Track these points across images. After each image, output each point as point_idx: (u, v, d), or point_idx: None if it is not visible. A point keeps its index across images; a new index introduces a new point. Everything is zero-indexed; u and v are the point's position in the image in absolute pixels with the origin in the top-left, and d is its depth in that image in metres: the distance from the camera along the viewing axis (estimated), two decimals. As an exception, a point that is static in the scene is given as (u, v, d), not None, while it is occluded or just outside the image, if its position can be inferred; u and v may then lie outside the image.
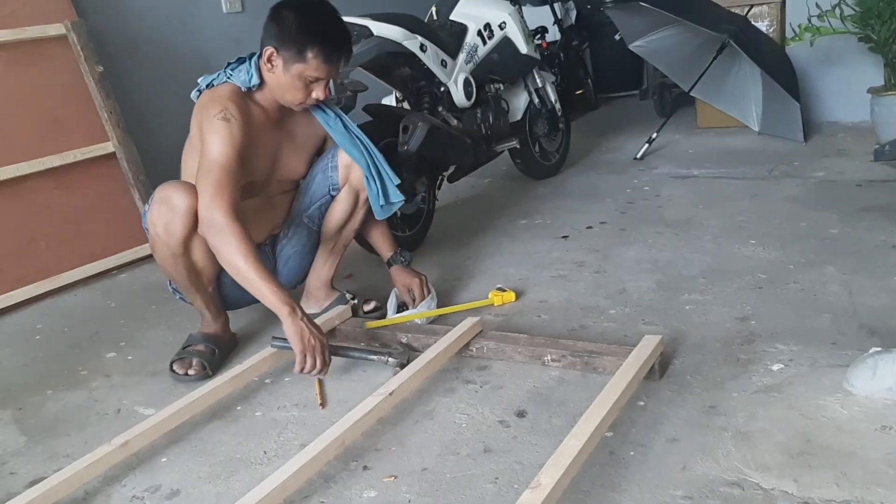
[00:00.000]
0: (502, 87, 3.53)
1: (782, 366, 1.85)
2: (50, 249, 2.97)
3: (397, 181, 2.26)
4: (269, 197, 2.25)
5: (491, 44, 3.38)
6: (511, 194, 3.84)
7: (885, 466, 1.44)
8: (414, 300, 2.35)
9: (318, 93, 2.04)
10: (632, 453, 1.58)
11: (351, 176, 2.25)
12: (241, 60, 2.08)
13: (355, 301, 2.41)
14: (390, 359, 2.02)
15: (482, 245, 3.02)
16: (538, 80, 3.79)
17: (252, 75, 2.04)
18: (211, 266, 2.09)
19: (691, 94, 4.52)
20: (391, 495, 1.53)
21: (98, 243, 3.10)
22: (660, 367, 1.87)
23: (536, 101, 3.77)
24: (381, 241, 2.44)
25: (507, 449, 1.64)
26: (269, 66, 2.01)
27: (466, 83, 3.18)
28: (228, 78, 2.06)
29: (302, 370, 1.86)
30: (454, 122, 3.14)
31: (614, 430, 1.65)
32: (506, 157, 3.84)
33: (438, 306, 2.39)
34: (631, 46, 4.60)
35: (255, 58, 2.06)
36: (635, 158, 4.26)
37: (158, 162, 3.33)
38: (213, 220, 1.88)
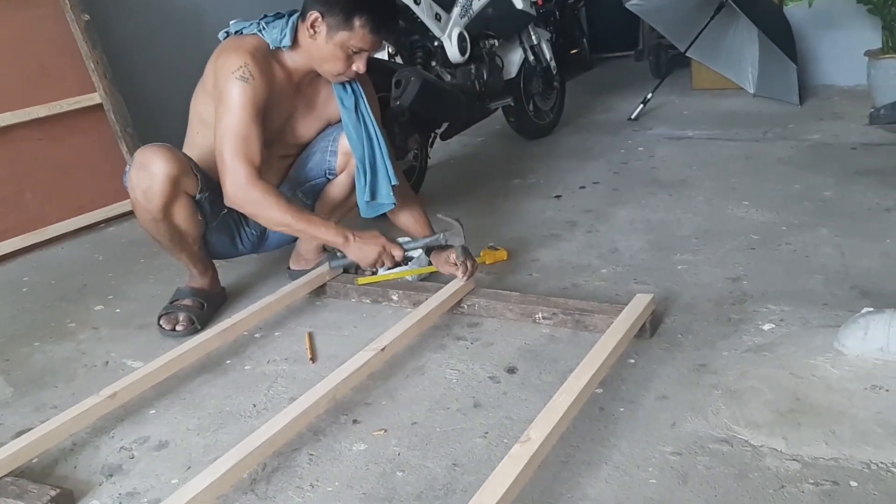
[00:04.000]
0: (497, 44, 3.47)
1: (773, 326, 1.85)
2: (36, 201, 2.93)
3: (395, 182, 2.10)
4: (270, 156, 2.15)
5: (487, -2, 3.32)
6: (504, 153, 3.81)
7: (874, 425, 1.44)
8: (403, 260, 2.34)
9: (358, 65, 1.95)
10: (621, 409, 1.58)
11: (350, 165, 2.16)
12: (278, 16, 1.98)
13: (346, 259, 2.37)
14: (447, 235, 2.10)
15: (474, 203, 3.00)
16: (533, 38, 3.73)
17: (285, 35, 1.94)
18: (194, 227, 2.06)
19: (687, 54, 4.47)
20: (381, 448, 1.53)
21: (85, 196, 3.07)
22: (651, 325, 1.86)
23: (531, 58, 3.72)
24: (415, 227, 2.23)
25: (497, 404, 1.64)
26: (311, 31, 1.90)
27: (461, 38, 3.12)
28: (260, 31, 1.96)
29: (389, 265, 2.06)
30: (448, 77, 3.09)
31: (604, 387, 1.65)
32: (499, 115, 3.80)
33: (428, 264, 2.37)
34: (627, 5, 4.53)
35: (293, 17, 1.96)
36: (630, 119, 4.22)
37: (146, 114, 3.28)
38: (241, 193, 1.88)
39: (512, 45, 3.64)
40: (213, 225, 2.12)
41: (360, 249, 2.00)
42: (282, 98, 2.01)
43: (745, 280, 2.12)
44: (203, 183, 2.01)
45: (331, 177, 2.21)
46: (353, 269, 2.35)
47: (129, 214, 3.18)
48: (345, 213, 2.32)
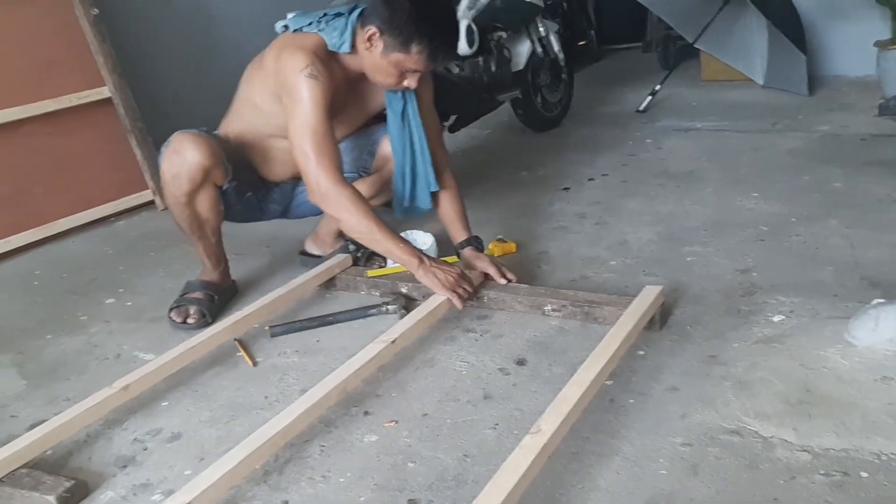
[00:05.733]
0: (505, 36, 3.46)
1: (783, 317, 1.85)
2: (46, 195, 2.94)
3: (434, 188, 2.12)
4: None
5: (495, -12, 3.30)
6: (512, 145, 3.81)
7: (884, 416, 1.44)
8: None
9: (410, 82, 1.94)
10: (631, 401, 1.58)
11: (385, 169, 2.17)
12: (338, 15, 1.95)
13: (359, 253, 2.37)
14: (390, 307, 2.03)
15: (482, 196, 3.00)
16: (542, 29, 3.72)
17: (345, 42, 1.92)
18: (215, 218, 2.09)
19: (696, 45, 4.45)
20: (392, 440, 1.54)
21: (95, 190, 3.08)
22: (660, 317, 1.87)
23: (539, 50, 3.71)
24: (453, 221, 2.20)
25: (507, 396, 1.65)
26: (367, 44, 1.88)
27: (469, 30, 3.11)
28: (320, 31, 1.94)
29: (461, 300, 1.96)
30: (456, 70, 3.09)
31: (614, 379, 1.65)
32: (506, 107, 3.79)
33: (438, 256, 2.38)
34: (636, -4, 4.51)
35: (352, 18, 1.93)
36: (638, 111, 4.21)
37: (155, 108, 3.29)
38: (325, 192, 1.89)
39: (520, 36, 3.63)
40: (238, 208, 2.15)
41: (436, 276, 1.96)
42: (338, 96, 2.00)
43: (755, 271, 2.12)
44: (233, 173, 2.05)
45: (364, 174, 2.23)
46: (362, 261, 2.36)
47: (139, 208, 3.21)
48: None
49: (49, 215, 2.93)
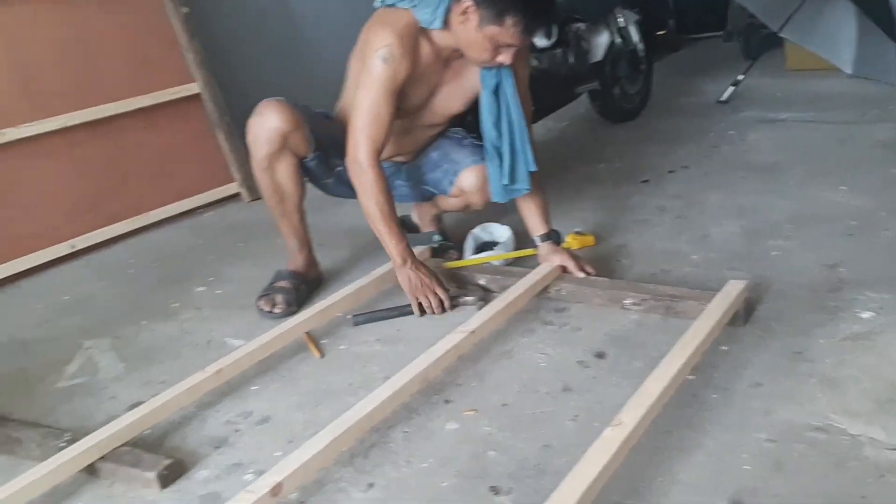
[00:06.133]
0: (583, 27, 3.45)
1: (873, 314, 1.80)
2: (139, 187, 3.08)
3: (533, 168, 2.11)
4: (413, 125, 2.22)
5: (575, -20, 3.30)
6: (589, 137, 3.79)
7: (981, 417, 1.40)
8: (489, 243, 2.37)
9: (504, 57, 1.94)
10: (714, 396, 1.57)
11: (463, 195, 2.22)
12: None
13: (439, 243, 2.41)
14: (468, 298, 2.09)
15: (560, 188, 3.00)
16: (621, 20, 3.68)
17: (437, 18, 1.94)
18: (295, 191, 2.17)
19: (780, 34, 4.32)
20: (472, 428, 1.57)
21: (184, 182, 3.21)
22: (744, 312, 1.84)
23: (619, 41, 3.67)
24: (533, 215, 2.20)
25: (587, 388, 1.66)
26: (461, 17, 1.89)
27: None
28: (413, 7, 1.97)
29: (422, 312, 2.06)
30: (534, 62, 3.09)
31: (697, 374, 1.64)
32: (583, 99, 3.77)
33: (515, 249, 2.39)
34: (717, -16, 4.41)
35: None
36: (719, 101, 4.13)
37: (241, 103, 3.38)
38: (357, 163, 1.99)
39: (598, 27, 3.60)
40: (328, 181, 2.25)
41: (408, 279, 2.07)
42: (428, 73, 2.06)
43: (842, 267, 2.06)
44: (316, 144, 2.12)
45: (443, 193, 2.29)
46: (448, 252, 2.40)
47: (225, 200, 3.32)
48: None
49: (142, 206, 3.06)
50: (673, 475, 1.36)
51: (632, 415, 1.40)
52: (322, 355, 1.95)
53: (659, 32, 5.38)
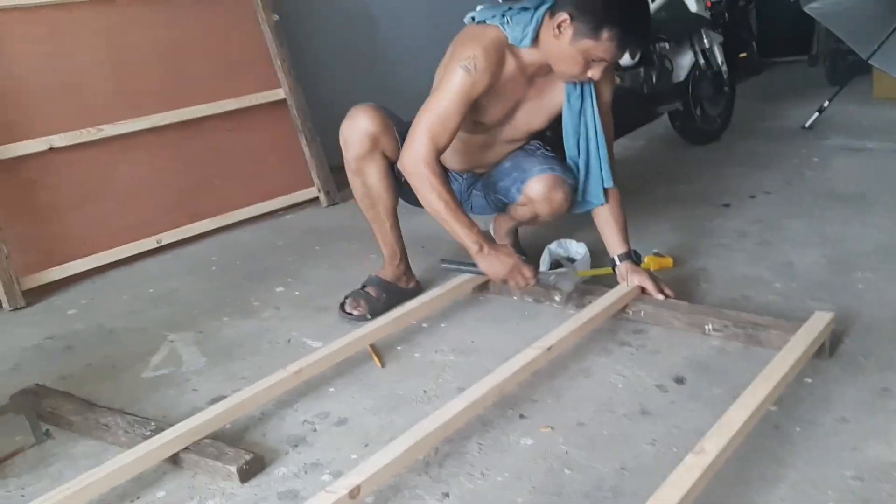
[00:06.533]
0: (668, 47, 3.42)
1: (967, 355, 1.74)
2: (224, 187, 3.17)
3: (609, 184, 2.14)
4: (494, 140, 2.23)
5: (660, 0, 3.27)
6: (668, 158, 3.75)
7: None
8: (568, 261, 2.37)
9: (594, 73, 1.93)
10: (798, 429, 1.54)
11: (531, 204, 2.18)
12: (524, 10, 1.97)
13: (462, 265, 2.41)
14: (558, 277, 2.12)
15: (637, 208, 2.96)
16: (705, 41, 3.64)
17: (527, 36, 1.95)
18: (386, 195, 2.20)
19: (869, 62, 4.21)
20: (548, 445, 1.56)
21: (266, 184, 3.29)
22: (830, 345, 1.80)
23: (702, 62, 3.63)
24: (612, 233, 2.18)
25: (665, 413, 1.64)
26: (556, 31, 1.89)
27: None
28: (503, 25, 1.98)
29: (517, 287, 2.07)
30: (617, 80, 3.07)
31: (779, 405, 1.61)
32: (661, 118, 3.73)
33: (592, 267, 2.38)
34: (806, 8, 4.30)
35: (539, 13, 1.95)
36: (803, 127, 4.04)
37: (324, 109, 3.46)
38: (413, 166, 1.98)
39: (683, 47, 3.57)
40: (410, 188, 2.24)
41: (491, 263, 2.03)
42: (510, 88, 2.06)
43: (935, 303, 2.00)
44: (402, 147, 2.13)
45: (512, 202, 2.26)
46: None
47: (304, 204, 3.39)
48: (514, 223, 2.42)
49: (226, 206, 3.15)
50: (754, 507, 1.33)
51: (714, 442, 1.37)
52: (383, 365, 1.96)
53: (741, 55, 5.31)
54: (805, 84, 5.21)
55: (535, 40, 1.97)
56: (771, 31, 6.09)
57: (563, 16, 1.87)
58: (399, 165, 2.05)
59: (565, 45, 1.90)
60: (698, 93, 3.72)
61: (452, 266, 2.21)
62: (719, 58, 3.74)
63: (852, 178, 3.14)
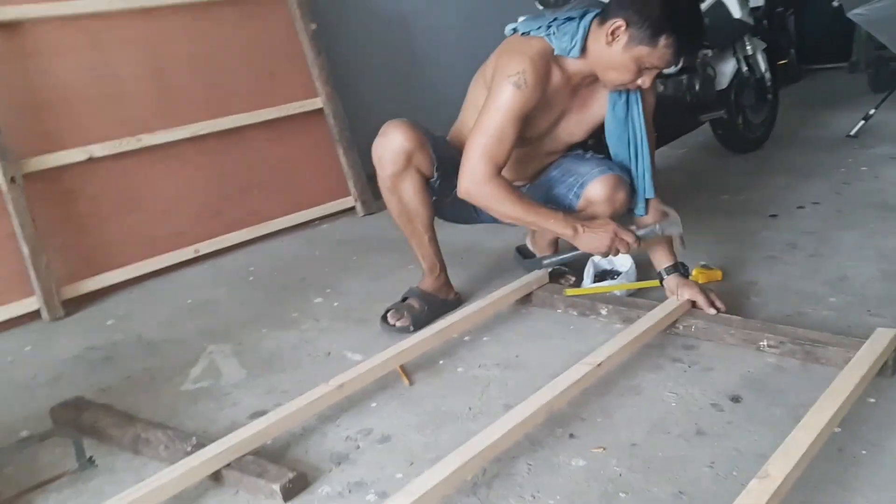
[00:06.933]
0: (710, 54, 3.35)
1: None
2: (262, 197, 3.16)
3: (651, 195, 2.10)
4: (535, 153, 2.20)
5: (703, 6, 3.20)
6: (711, 167, 3.67)
7: None
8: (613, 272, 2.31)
9: (645, 80, 1.89)
10: (864, 452, 1.46)
11: (591, 207, 2.12)
12: (569, 19, 1.94)
13: (559, 256, 2.35)
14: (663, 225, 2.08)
15: (681, 218, 2.89)
16: (748, 47, 3.56)
17: (575, 45, 1.91)
18: (423, 209, 2.16)
19: (917, 68, 4.10)
20: (601, 467, 1.51)
21: (303, 194, 3.27)
22: (893, 363, 1.72)
23: (745, 69, 3.55)
24: (659, 245, 2.13)
25: (723, 433, 1.57)
26: (609, 37, 1.84)
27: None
28: (548, 37, 1.94)
29: (624, 251, 2.00)
30: (659, 88, 3.01)
31: (843, 427, 1.53)
32: (703, 127, 3.66)
33: (637, 279, 2.32)
34: (850, 14, 4.19)
35: (585, 21, 1.92)
36: (848, 136, 3.93)
37: (361, 118, 3.44)
38: (476, 189, 1.95)
39: (725, 54, 3.49)
40: (447, 202, 2.20)
41: (591, 239, 1.96)
42: (556, 100, 2.03)
43: None
44: (438, 164, 2.11)
45: (569, 208, 2.18)
46: (565, 277, 2.35)
47: (342, 213, 3.37)
48: None
49: (263, 215, 3.14)
50: (823, 536, 1.27)
51: (779, 466, 1.31)
52: (411, 383, 1.91)
53: (780, 62, 5.21)
54: (846, 91, 5.09)
55: (583, 50, 1.92)
56: (809, 37, 5.98)
57: (619, 22, 1.82)
58: (460, 194, 2.00)
59: (618, 52, 1.85)
60: (741, 100, 3.64)
61: (554, 261, 2.21)
62: (762, 65, 3.66)
63: (904, 189, 3.04)
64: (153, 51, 2.95)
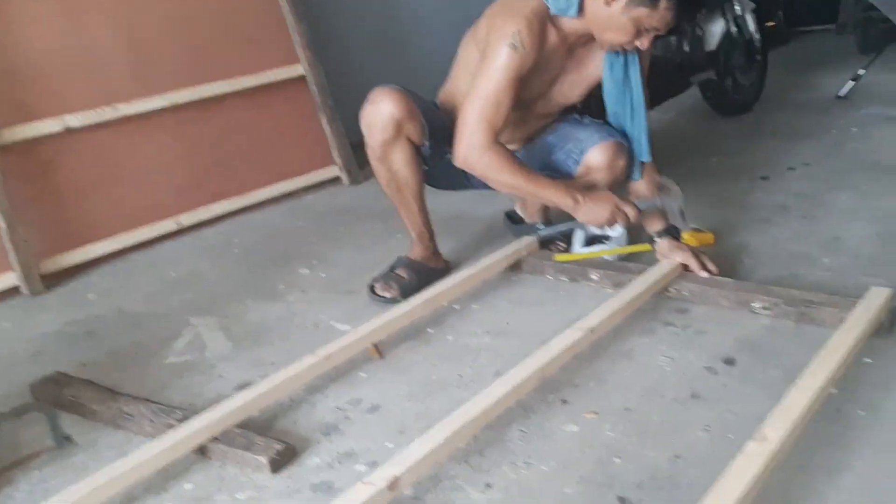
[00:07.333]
0: (700, 14, 3.29)
1: None
2: (243, 167, 3.09)
3: (647, 158, 2.09)
4: (528, 115, 2.15)
5: (692, -34, 3.15)
6: (700, 130, 3.63)
7: None
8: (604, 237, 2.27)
9: (643, 42, 1.87)
10: (861, 413, 1.45)
11: (590, 173, 2.09)
12: None
13: (554, 228, 2.32)
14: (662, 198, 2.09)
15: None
16: (737, 7, 3.51)
17: (573, 6, 1.87)
18: (413, 178, 2.10)
19: (907, 27, 4.06)
20: (594, 432, 1.48)
21: (287, 164, 3.20)
22: (888, 323, 1.70)
23: (734, 30, 3.50)
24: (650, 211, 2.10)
25: (718, 397, 1.55)
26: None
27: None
28: None
29: (623, 224, 2.01)
30: (648, 50, 2.96)
31: (839, 388, 1.51)
32: (692, 91, 3.61)
33: (628, 244, 2.29)
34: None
35: None
36: (838, 97, 3.90)
37: (344, 85, 3.37)
38: (474, 156, 1.91)
39: (714, 15, 3.43)
40: (439, 169, 2.15)
41: (591, 210, 1.94)
42: (552, 61, 1.98)
43: None
44: (429, 131, 2.05)
45: (567, 175, 2.15)
46: (554, 243, 2.31)
47: (326, 184, 3.30)
48: None
49: (246, 186, 3.06)
50: (820, 498, 1.25)
51: (776, 428, 1.29)
52: (382, 356, 1.86)
53: (768, 24, 5.16)
54: (834, 53, 5.05)
55: (580, 9, 1.87)
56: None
57: None
58: (457, 163, 1.95)
59: (616, 13, 1.81)
60: (730, 62, 3.58)
61: (552, 233, 2.21)
62: (752, 25, 3.62)
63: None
64: (128, 17, 2.84)
